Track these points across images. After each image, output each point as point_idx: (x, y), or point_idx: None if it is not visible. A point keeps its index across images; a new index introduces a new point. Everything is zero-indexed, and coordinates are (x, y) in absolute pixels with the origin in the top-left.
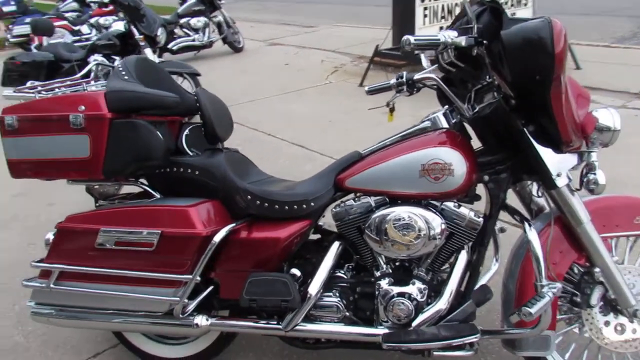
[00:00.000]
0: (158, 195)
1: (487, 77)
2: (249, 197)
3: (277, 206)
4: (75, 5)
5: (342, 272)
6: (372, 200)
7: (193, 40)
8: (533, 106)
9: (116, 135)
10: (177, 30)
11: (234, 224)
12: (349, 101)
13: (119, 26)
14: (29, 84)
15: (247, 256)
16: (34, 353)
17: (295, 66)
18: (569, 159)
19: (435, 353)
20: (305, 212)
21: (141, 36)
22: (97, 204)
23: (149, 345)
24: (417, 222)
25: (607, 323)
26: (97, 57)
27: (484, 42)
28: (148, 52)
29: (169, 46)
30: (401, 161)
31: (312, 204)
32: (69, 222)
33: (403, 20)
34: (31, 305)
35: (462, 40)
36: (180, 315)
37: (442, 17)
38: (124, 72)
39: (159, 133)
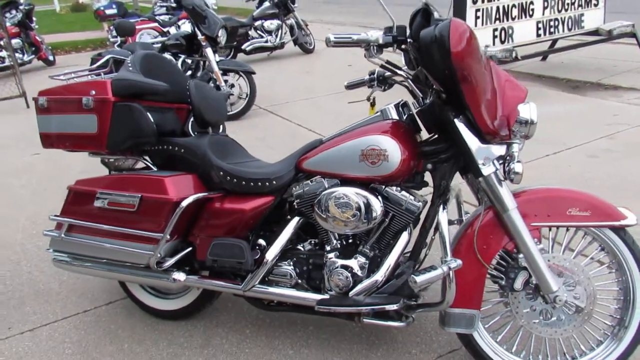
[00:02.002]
0: (155, 169)
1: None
2: (221, 173)
3: (243, 182)
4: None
5: (302, 245)
6: (325, 181)
7: (266, 42)
8: (457, 99)
9: (117, 116)
10: (252, 32)
11: (203, 194)
12: (394, 99)
13: (187, 27)
14: (65, 71)
15: (218, 223)
16: (62, 297)
17: (357, 67)
18: (497, 150)
19: (367, 321)
20: (268, 189)
21: (203, 37)
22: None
23: (146, 297)
24: (355, 201)
25: (533, 308)
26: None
27: (408, 40)
28: (209, 52)
29: (243, 47)
30: (345, 146)
31: (274, 182)
32: (77, 184)
33: None
34: (50, 252)
35: (380, 38)
36: (156, 268)
37: (497, 19)
38: (130, 65)
39: (149, 115)
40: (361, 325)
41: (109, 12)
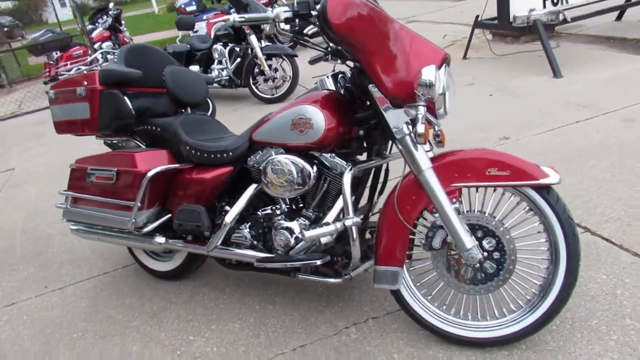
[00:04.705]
0: (144, 147)
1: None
2: (188, 147)
3: (205, 155)
4: None
5: (261, 211)
6: (272, 151)
7: None
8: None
9: (103, 102)
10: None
11: (170, 166)
12: None
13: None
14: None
15: (186, 192)
16: (90, 262)
17: None
18: (407, 113)
19: (301, 276)
20: (226, 160)
21: (246, 25)
22: None
23: (147, 260)
24: (288, 166)
25: (452, 264)
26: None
27: (312, 13)
28: (253, 39)
29: (305, 31)
30: (280, 117)
31: (231, 153)
32: (76, 163)
33: None
34: (65, 221)
35: (280, 14)
36: (135, 232)
37: None
38: (115, 58)
39: (126, 99)
40: (296, 280)
41: (189, 8)
